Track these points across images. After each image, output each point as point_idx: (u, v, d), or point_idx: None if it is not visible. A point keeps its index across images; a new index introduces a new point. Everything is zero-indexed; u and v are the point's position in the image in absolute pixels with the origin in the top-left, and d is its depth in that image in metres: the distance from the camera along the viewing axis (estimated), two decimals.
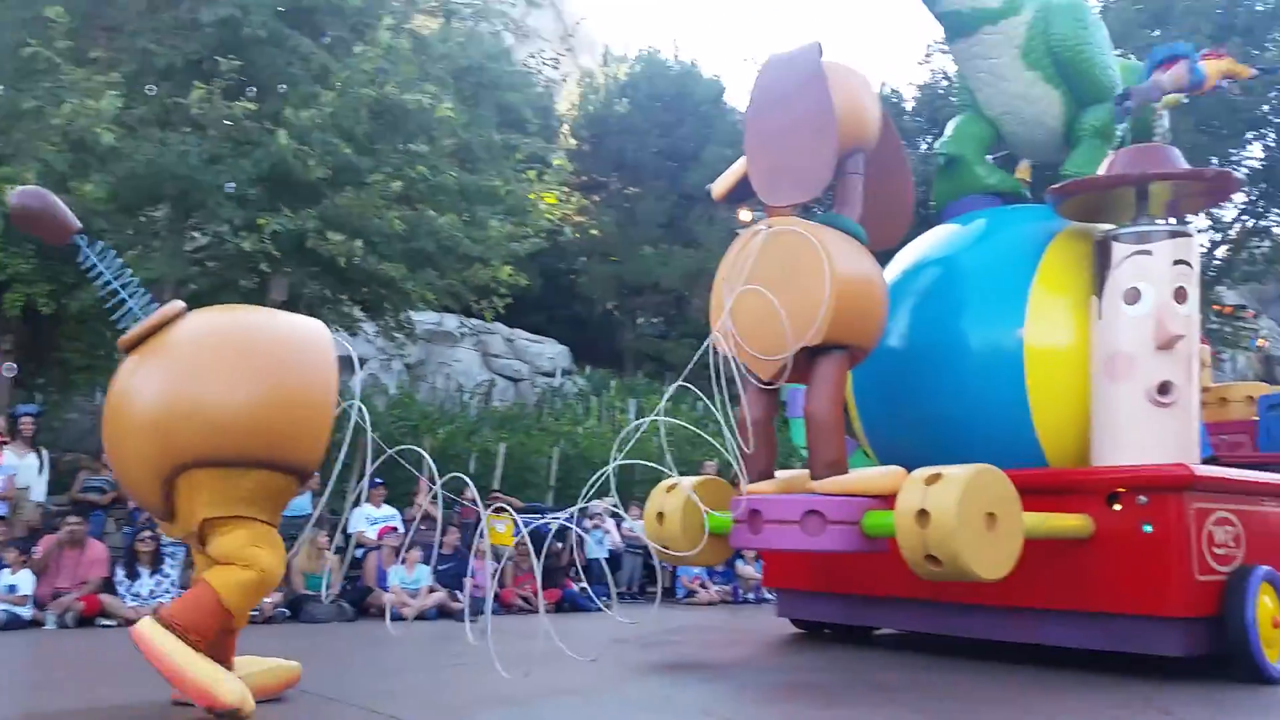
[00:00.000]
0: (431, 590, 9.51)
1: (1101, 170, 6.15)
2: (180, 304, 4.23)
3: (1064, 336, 5.93)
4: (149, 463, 3.99)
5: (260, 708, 4.04)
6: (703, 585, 11.00)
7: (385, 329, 14.20)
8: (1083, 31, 6.66)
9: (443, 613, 9.29)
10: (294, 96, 10.74)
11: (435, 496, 9.82)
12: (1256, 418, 7.12)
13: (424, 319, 19.95)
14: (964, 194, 7.05)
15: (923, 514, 4.74)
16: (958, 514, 4.63)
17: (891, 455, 6.30)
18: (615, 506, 11.22)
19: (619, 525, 11.74)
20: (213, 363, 3.99)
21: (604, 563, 10.93)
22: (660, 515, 6.15)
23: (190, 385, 3.93)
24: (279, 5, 10.88)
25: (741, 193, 6.55)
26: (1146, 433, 5.41)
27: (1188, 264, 5.61)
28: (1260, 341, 21.83)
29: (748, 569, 11.17)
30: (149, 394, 3.98)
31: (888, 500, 5.23)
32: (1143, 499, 5.13)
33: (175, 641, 3.87)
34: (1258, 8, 23.98)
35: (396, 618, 8.73)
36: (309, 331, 4.28)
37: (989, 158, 7.28)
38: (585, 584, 10.41)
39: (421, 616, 9.02)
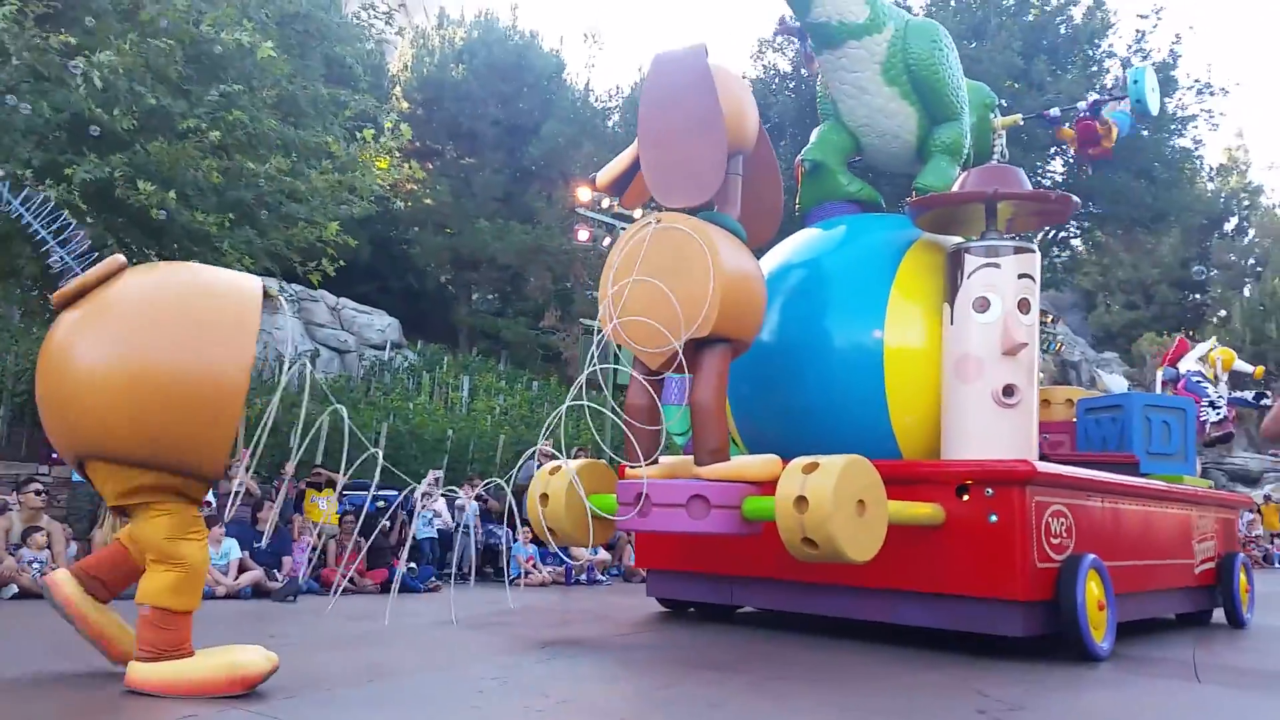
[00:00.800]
0: (244, 568, 9.14)
1: (955, 187, 6.70)
2: (117, 259, 4.00)
3: (918, 338, 6.46)
4: (61, 439, 3.91)
5: (68, 695, 3.99)
6: (535, 566, 11.05)
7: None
8: (938, 53, 7.20)
9: (258, 592, 8.92)
10: (101, 34, 10.00)
11: (248, 469, 9.65)
12: (1075, 419, 7.95)
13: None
14: (826, 199, 7.51)
15: (801, 500, 5.11)
16: (833, 500, 5.02)
17: (759, 444, 6.70)
18: (444, 487, 11.24)
19: (451, 504, 11.63)
20: (116, 352, 3.73)
21: (433, 542, 10.94)
22: (545, 497, 6.30)
23: (83, 369, 3.75)
24: None
25: (624, 183, 6.73)
26: (992, 430, 6.00)
27: (1031, 277, 6.22)
28: (1058, 345, 23.94)
29: (581, 550, 11.16)
30: (55, 366, 3.82)
31: (764, 486, 5.60)
32: (990, 491, 5.69)
33: (168, 668, 3.88)
34: (1062, 30, 26.17)
35: (208, 595, 8.12)
36: (232, 314, 3.91)
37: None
38: (414, 564, 10.24)
39: (234, 595, 8.69)
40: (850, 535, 5.10)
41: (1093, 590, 5.76)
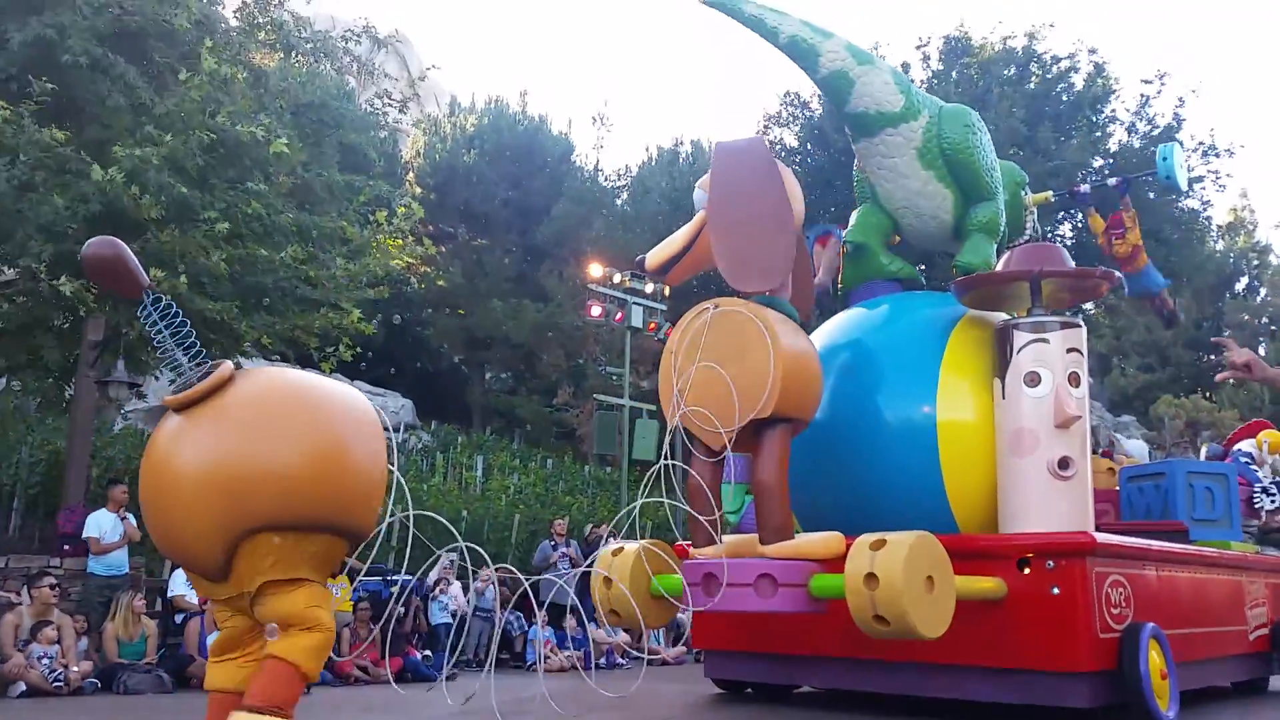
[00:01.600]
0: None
1: (999, 266, 7.02)
2: (230, 365, 4.23)
3: (971, 413, 6.71)
4: (212, 525, 4.02)
5: None
6: (553, 650, 10.94)
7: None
8: (971, 137, 7.59)
9: None
10: (118, 127, 10.42)
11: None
12: (1118, 488, 8.16)
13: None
14: (868, 279, 7.83)
15: (871, 577, 5.30)
16: (904, 577, 5.21)
17: (815, 522, 6.88)
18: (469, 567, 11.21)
19: (464, 590, 11.62)
20: (279, 427, 4.04)
21: (450, 629, 10.78)
22: (607, 581, 6.48)
23: (259, 448, 3.98)
24: (101, 28, 10.50)
25: (672, 264, 6.97)
26: (1049, 502, 6.20)
27: (1079, 351, 6.50)
28: None
29: (599, 632, 11.29)
30: (209, 456, 3.99)
31: (828, 564, 5.80)
32: (1050, 564, 5.89)
33: None
34: (1064, 98, 26.91)
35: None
36: (354, 396, 4.36)
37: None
38: (429, 651, 10.22)
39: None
40: (921, 611, 5.28)
41: (1154, 659, 5.92)
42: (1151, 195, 24.37)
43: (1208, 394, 28.70)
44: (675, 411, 6.25)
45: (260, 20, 13.46)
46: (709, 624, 7.55)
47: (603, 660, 11.17)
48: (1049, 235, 24.05)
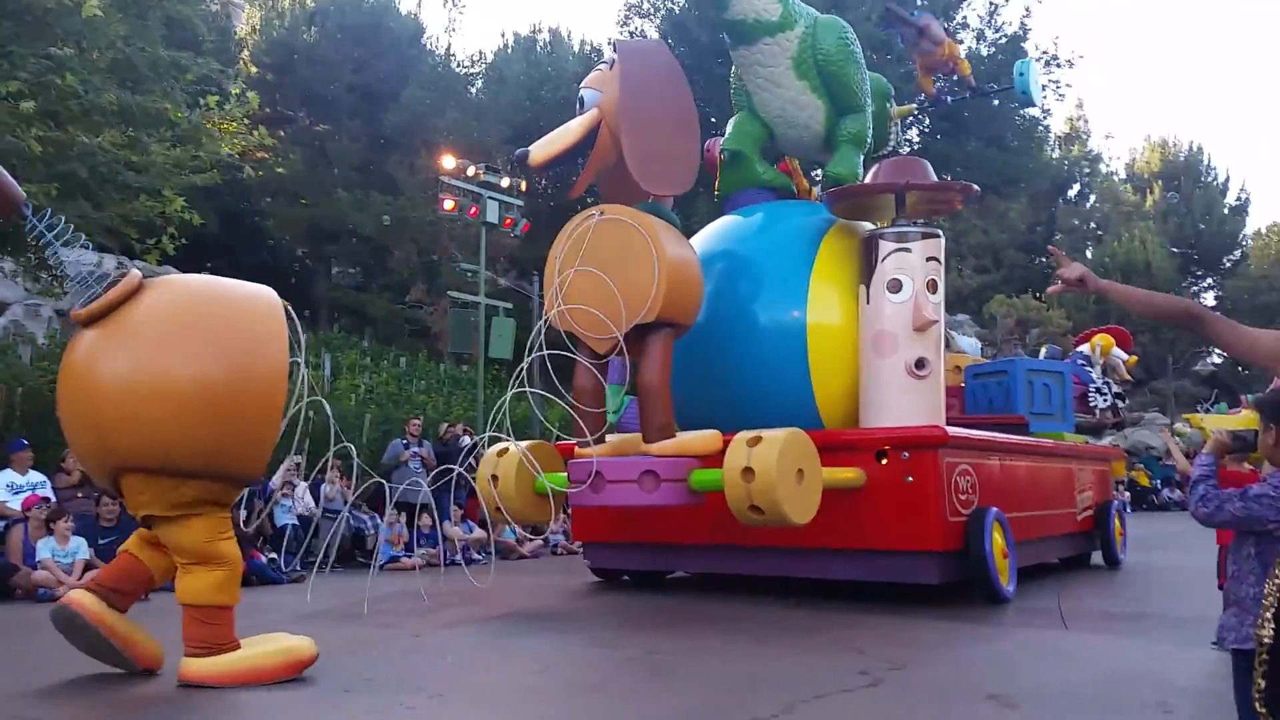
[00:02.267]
0: (90, 566, 8.49)
1: (868, 178, 7.51)
2: (136, 275, 4.16)
3: (838, 317, 7.26)
4: (89, 454, 4.15)
5: (126, 691, 4.20)
6: (407, 549, 10.99)
7: (29, 268, 12.81)
8: (844, 49, 7.95)
9: None
10: None
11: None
12: (963, 385, 8.97)
13: (77, 258, 18.69)
14: (744, 186, 8.21)
15: (748, 471, 5.82)
16: (778, 470, 5.75)
17: (692, 419, 7.36)
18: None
19: (315, 489, 11.39)
20: (158, 362, 3.94)
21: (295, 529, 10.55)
22: (494, 478, 6.81)
23: (133, 390, 3.90)
24: None
25: (560, 162, 7.04)
26: (906, 400, 6.86)
27: (938, 260, 7.10)
28: None
29: (455, 530, 11.40)
30: (93, 384, 4.00)
31: (706, 459, 6.30)
32: (906, 455, 6.55)
33: (225, 660, 4.20)
34: (918, 3, 27.67)
35: (49, 598, 7.75)
36: (258, 313, 4.23)
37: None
38: (275, 554, 10.00)
39: None
40: (793, 501, 5.86)
41: (997, 540, 6.72)
42: (996, 103, 25.62)
43: (1038, 294, 30.80)
44: (559, 315, 6.53)
45: None
46: (588, 518, 8.01)
47: (458, 557, 10.98)
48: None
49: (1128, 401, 12.36)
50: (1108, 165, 38.94)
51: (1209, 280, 37.00)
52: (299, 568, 9.86)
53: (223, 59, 21.04)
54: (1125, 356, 11.39)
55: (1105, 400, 10.14)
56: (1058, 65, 27.79)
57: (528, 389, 6.63)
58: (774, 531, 6.40)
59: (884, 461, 6.65)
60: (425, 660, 5.06)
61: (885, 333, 6.98)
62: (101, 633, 4.31)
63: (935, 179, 7.41)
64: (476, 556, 11.42)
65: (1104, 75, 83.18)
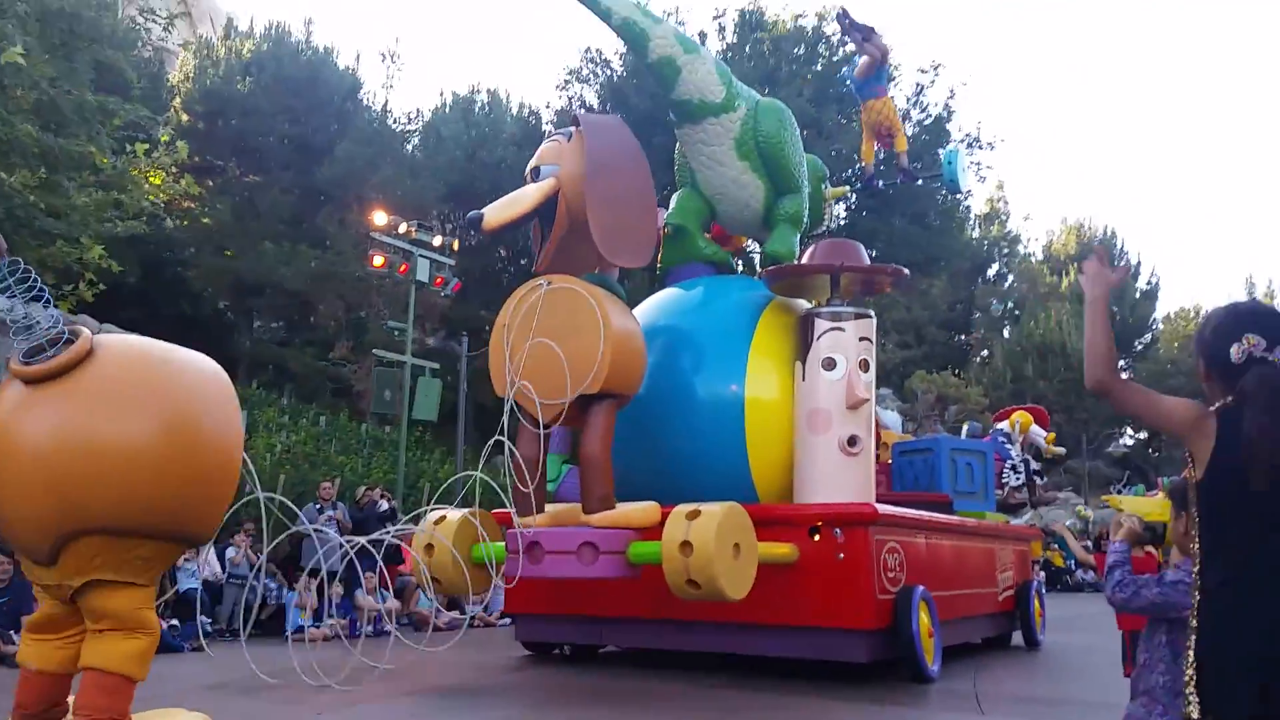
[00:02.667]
0: None
1: (805, 258, 7.79)
2: (88, 338, 4.07)
3: (774, 392, 7.47)
4: (42, 518, 3.93)
5: None
6: (316, 618, 10.58)
7: None
8: (783, 132, 8.30)
9: None
10: None
11: None
12: (890, 461, 9.24)
13: (25, 314, 18.21)
14: (686, 260, 8.45)
15: (686, 545, 5.93)
16: (715, 545, 5.88)
17: (630, 489, 7.43)
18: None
19: (222, 553, 11.17)
20: (124, 430, 3.90)
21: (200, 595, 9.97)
22: (430, 547, 6.81)
23: (99, 451, 3.85)
24: None
25: (515, 228, 7.10)
26: (839, 476, 7.07)
27: (870, 340, 7.38)
28: None
29: (368, 599, 11.21)
30: (48, 447, 3.86)
31: (645, 532, 6.39)
32: (838, 531, 6.73)
33: None
34: (848, 82, 28.68)
35: None
36: (214, 381, 4.25)
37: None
38: (176, 620, 9.79)
39: None
40: (729, 576, 5.98)
41: (924, 619, 6.91)
42: (919, 182, 26.61)
43: (957, 371, 31.71)
44: (508, 386, 6.61)
45: None
46: (520, 589, 7.96)
47: (370, 627, 10.91)
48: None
49: (1045, 479, 12.84)
50: (1026, 246, 40.51)
51: (1121, 362, 38.47)
52: (204, 634, 9.30)
53: (154, 106, 20.90)
54: (1044, 434, 11.86)
55: (1018, 478, 10.54)
56: (980, 147, 28.94)
57: (506, 446, 6.60)
58: (708, 606, 6.50)
59: (817, 538, 6.82)
60: None
61: (819, 410, 7.20)
62: None
63: (868, 261, 7.73)
64: (388, 628, 10.92)
65: (1023, 157, 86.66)
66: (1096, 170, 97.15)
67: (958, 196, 28.93)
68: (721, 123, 8.10)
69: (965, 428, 12.03)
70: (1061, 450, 12.13)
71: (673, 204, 8.62)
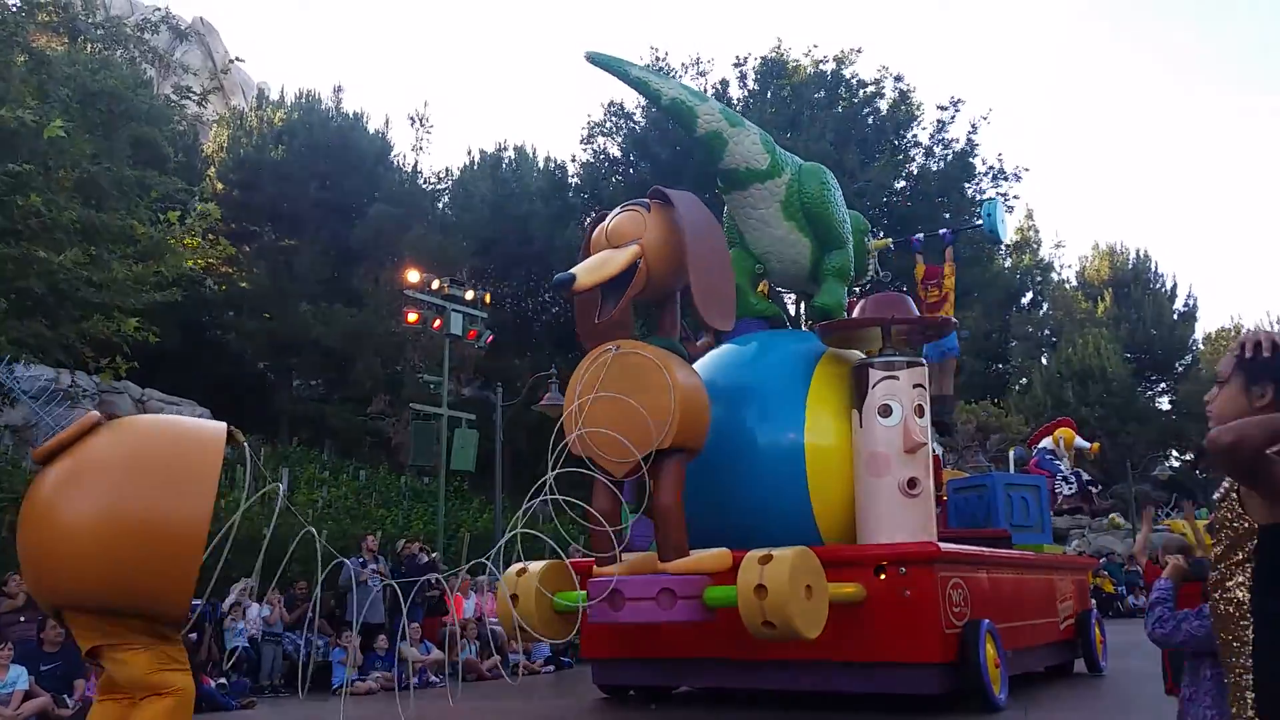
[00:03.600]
0: (29, 695, 8.54)
1: (856, 312, 8.35)
2: (94, 417, 4.28)
3: (832, 439, 7.98)
4: (34, 591, 4.36)
5: None
6: (361, 672, 10.99)
7: None
8: (826, 193, 8.91)
9: None
10: None
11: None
12: (945, 498, 9.70)
13: (34, 374, 18.90)
14: (739, 317, 8.98)
15: (760, 588, 6.42)
16: (789, 587, 6.37)
17: (698, 536, 7.94)
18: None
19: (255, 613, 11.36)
20: (69, 508, 4.00)
21: (248, 651, 10.52)
22: (515, 598, 7.34)
23: (60, 535, 3.97)
24: None
25: (608, 290, 7.30)
26: (900, 517, 7.55)
27: (923, 386, 7.89)
28: None
29: (412, 651, 11.53)
30: (29, 523, 4.11)
31: (717, 576, 6.89)
32: (903, 570, 7.21)
33: None
34: (870, 122, 29.35)
35: None
36: (182, 464, 4.20)
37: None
38: (224, 680, 10.08)
39: None
40: (804, 616, 6.47)
41: (990, 650, 7.35)
42: (947, 215, 27.08)
43: (995, 400, 31.97)
44: (580, 441, 7.14)
45: (42, 0, 12.91)
46: (594, 635, 8.51)
47: (415, 679, 11.15)
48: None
49: (1099, 488, 13.24)
50: (1059, 273, 40.85)
51: (1162, 384, 38.59)
52: (249, 692, 9.91)
53: (189, 176, 21.77)
54: (1087, 445, 12.33)
55: (1071, 488, 10.99)
56: (1004, 178, 29.44)
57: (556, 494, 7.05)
58: (779, 645, 6.97)
59: (882, 576, 7.30)
60: None
61: (878, 454, 7.70)
62: None
63: (917, 313, 8.26)
64: (435, 679, 11.45)
65: (1051, 184, 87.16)
66: (1126, 193, 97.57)
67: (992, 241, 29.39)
68: (767, 188, 8.72)
69: (1012, 453, 12.50)
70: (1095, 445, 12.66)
71: None
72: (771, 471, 7.94)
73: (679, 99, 8.48)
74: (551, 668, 12.83)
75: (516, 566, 7.60)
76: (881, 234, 11.45)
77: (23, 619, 9.47)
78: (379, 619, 11.80)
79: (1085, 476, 11.55)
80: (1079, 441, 11.96)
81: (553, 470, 6.78)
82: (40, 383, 19.65)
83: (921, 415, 7.83)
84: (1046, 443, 12.13)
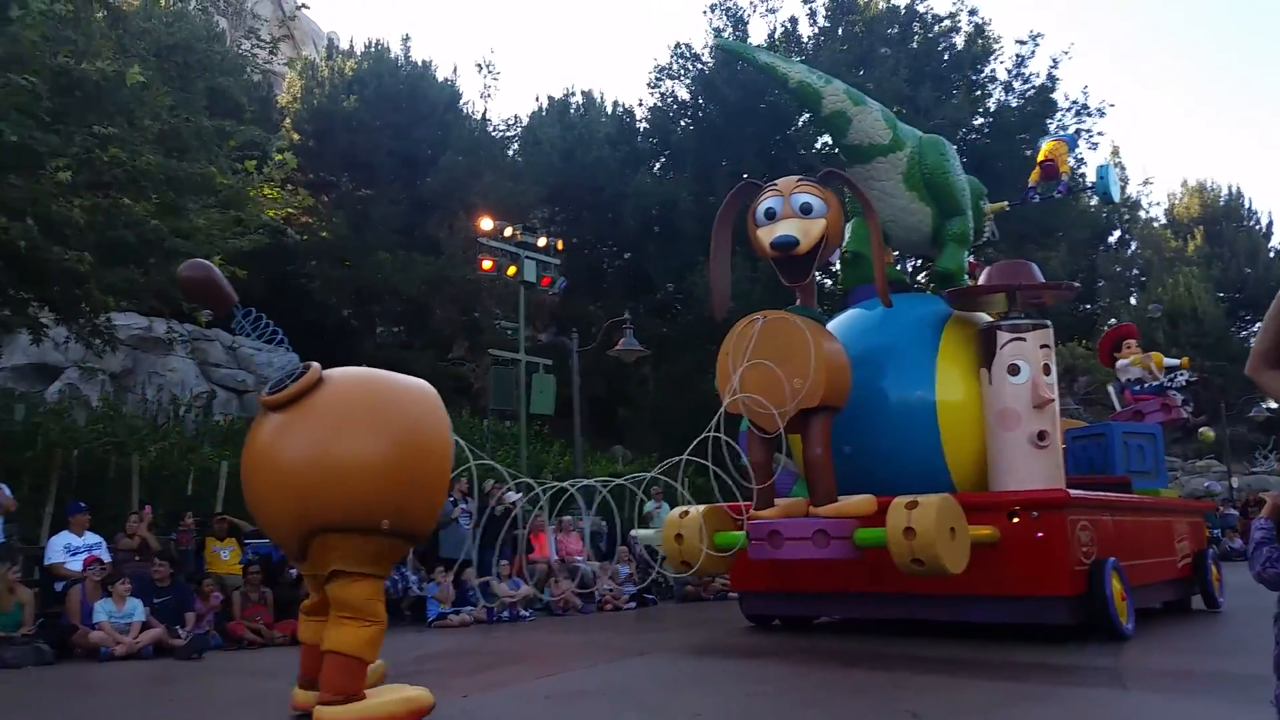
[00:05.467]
0: (146, 626, 9.46)
1: (983, 279, 9.39)
2: (317, 367, 5.16)
3: (962, 395, 9.08)
4: (288, 520, 5.00)
5: None
6: (454, 609, 11.79)
7: (81, 333, 13.89)
8: (945, 162, 9.94)
9: (160, 650, 9.28)
10: None
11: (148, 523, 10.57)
12: (1063, 446, 10.73)
13: (129, 323, 20.06)
14: (864, 282, 10.06)
15: (909, 530, 7.56)
16: (936, 528, 7.51)
17: (841, 483, 8.90)
18: None
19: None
20: (350, 442, 4.84)
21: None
22: (679, 537, 8.59)
23: (331, 459, 4.87)
24: None
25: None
26: (1031, 466, 8.68)
27: (1049, 347, 8.95)
28: None
29: (502, 586, 12.28)
30: (289, 460, 4.88)
31: (864, 519, 8.04)
32: (1035, 514, 8.31)
33: (356, 707, 4.96)
34: (945, 57, 29.65)
35: (108, 657, 8.96)
36: (427, 401, 5.18)
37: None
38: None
39: (135, 655, 9.07)
40: (950, 554, 7.62)
41: (1116, 585, 8.46)
42: (1028, 153, 27.40)
43: (1083, 341, 32.65)
44: (734, 401, 8.25)
45: None
46: (742, 570, 9.68)
47: (506, 614, 12.00)
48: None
49: (1190, 404, 13.86)
50: (1147, 211, 41.12)
51: (1257, 324, 38.85)
52: None
53: (265, 127, 22.77)
54: (1177, 362, 12.78)
55: (1190, 406, 11.68)
56: (1088, 114, 29.62)
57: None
58: (914, 580, 7.99)
59: (1015, 520, 8.38)
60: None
61: (1008, 409, 8.79)
62: None
63: (1041, 279, 9.28)
64: (524, 613, 12.23)
65: (1136, 120, 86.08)
66: (1215, 128, 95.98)
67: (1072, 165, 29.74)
68: (889, 161, 9.77)
69: (1110, 388, 13.14)
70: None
71: (848, 233, 10.26)
72: (906, 426, 9.07)
73: (805, 82, 9.57)
74: (634, 604, 13.72)
75: (680, 509, 8.82)
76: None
77: (137, 557, 10.65)
78: (468, 556, 12.52)
79: (1179, 383, 12.11)
80: (1168, 361, 12.42)
81: (711, 431, 7.83)
82: (133, 331, 21.17)
83: (1048, 373, 8.89)
84: (1135, 370, 12.45)
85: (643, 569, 14.18)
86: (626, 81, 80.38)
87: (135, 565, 10.31)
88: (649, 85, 30.27)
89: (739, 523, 8.41)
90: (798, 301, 8.71)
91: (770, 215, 8.46)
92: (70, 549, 10.32)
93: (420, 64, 29.83)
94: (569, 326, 24.32)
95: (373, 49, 29.67)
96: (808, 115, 23.04)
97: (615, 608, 13.38)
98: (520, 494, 14.12)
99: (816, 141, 27.00)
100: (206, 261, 5.17)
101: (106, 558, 10.25)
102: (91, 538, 10.55)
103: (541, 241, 20.78)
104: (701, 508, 8.75)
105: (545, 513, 11.56)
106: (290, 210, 20.57)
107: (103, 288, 11.73)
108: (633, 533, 12.14)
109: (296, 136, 27.38)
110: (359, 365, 5.73)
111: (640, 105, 31.21)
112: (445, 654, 7.92)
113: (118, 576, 9.59)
